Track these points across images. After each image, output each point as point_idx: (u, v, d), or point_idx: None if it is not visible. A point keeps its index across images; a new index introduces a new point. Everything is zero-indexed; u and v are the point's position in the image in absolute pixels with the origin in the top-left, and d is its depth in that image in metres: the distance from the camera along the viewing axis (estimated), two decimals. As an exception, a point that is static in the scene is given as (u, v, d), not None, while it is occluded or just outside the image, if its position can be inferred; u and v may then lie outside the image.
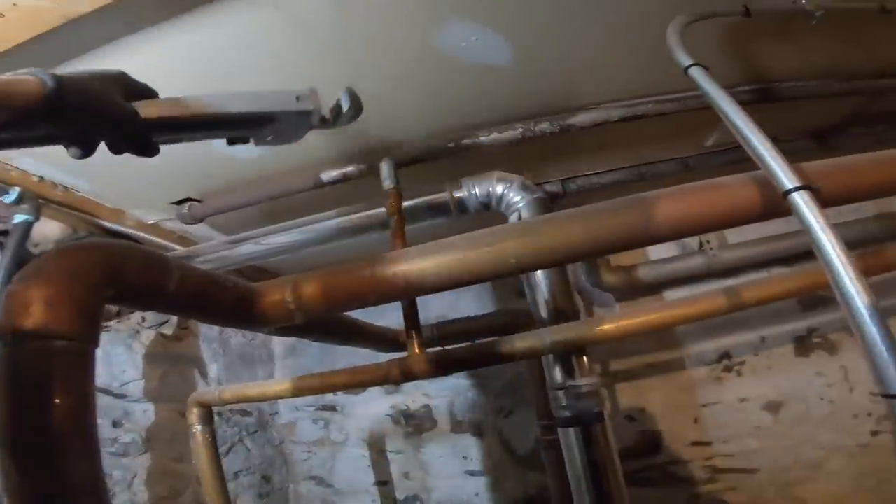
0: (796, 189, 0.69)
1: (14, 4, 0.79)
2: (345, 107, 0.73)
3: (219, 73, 1.01)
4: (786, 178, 0.69)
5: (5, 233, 1.20)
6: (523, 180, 1.24)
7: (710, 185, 0.77)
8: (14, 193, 1.17)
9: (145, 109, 0.59)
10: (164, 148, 0.62)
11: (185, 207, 1.43)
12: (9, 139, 0.52)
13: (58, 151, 0.57)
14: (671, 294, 2.03)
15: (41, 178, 1.28)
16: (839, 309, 2.08)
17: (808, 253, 1.90)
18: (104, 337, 0.78)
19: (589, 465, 1.04)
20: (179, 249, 1.61)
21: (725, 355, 1.98)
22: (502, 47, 1.03)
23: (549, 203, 1.30)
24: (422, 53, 1.03)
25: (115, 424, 1.52)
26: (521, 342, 1.00)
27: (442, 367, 1.00)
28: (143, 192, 1.43)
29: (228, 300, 0.80)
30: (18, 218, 1.16)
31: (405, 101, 1.18)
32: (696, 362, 1.99)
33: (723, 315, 1.05)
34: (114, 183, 1.37)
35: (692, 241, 1.95)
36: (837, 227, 0.66)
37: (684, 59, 0.82)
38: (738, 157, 1.53)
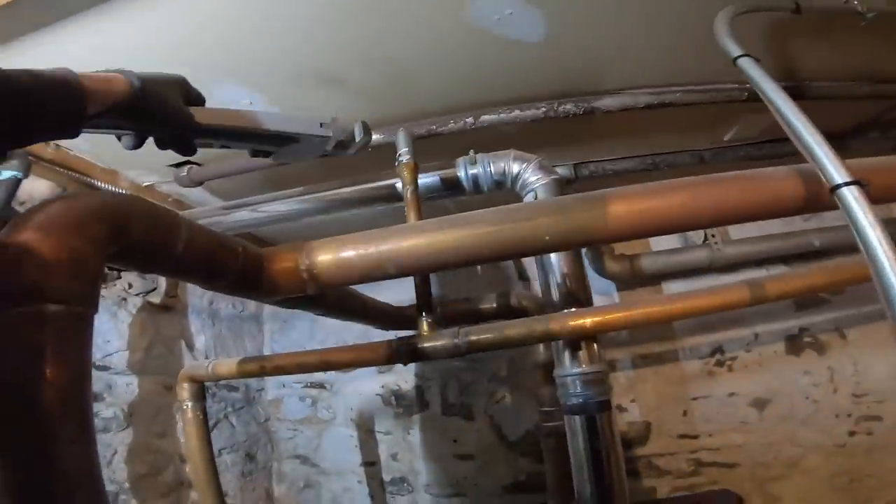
0: (846, 184, 0.67)
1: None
2: (358, 136, 0.82)
3: (235, 33, 0.97)
4: (836, 172, 0.67)
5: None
6: (541, 160, 1.19)
7: (753, 174, 0.75)
8: (3, 148, 1.08)
9: (199, 115, 0.66)
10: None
11: (185, 170, 1.36)
12: (99, 122, 0.56)
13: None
14: (670, 286, 2.03)
15: (33, 134, 1.19)
16: (832, 310, 2.09)
17: (808, 254, 1.92)
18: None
19: (593, 453, 1.03)
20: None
21: (719, 350, 1.99)
22: (536, 23, 0.99)
23: (564, 185, 1.26)
24: (452, 24, 0.99)
25: (97, 398, 1.45)
26: (537, 325, 0.97)
27: (455, 348, 0.96)
28: (141, 152, 1.35)
29: (236, 266, 0.74)
30: (6, 174, 1.08)
31: (427, 71, 1.13)
32: (689, 355, 2.00)
33: (744, 308, 1.03)
34: (113, 142, 1.29)
35: (696, 235, 1.95)
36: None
37: (734, 49, 0.79)
38: (754, 154, 1.52)
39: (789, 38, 1.09)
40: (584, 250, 1.83)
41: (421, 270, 0.88)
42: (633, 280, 1.94)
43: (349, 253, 0.75)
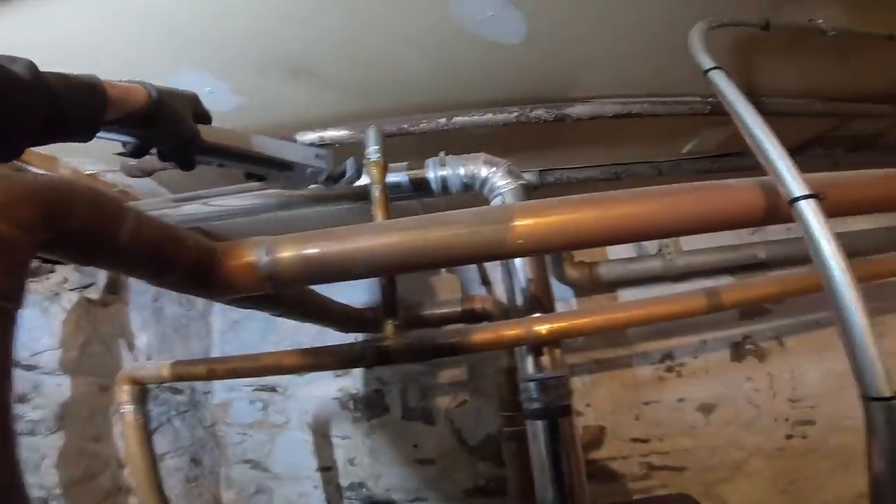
0: (804, 197, 0.69)
1: None
2: (349, 172, 0.88)
3: (196, 17, 0.93)
4: (795, 185, 0.70)
5: None
6: (509, 165, 1.20)
7: (716, 185, 0.77)
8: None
9: (204, 132, 0.68)
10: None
11: (134, 159, 1.26)
12: (112, 129, 0.58)
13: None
14: (625, 293, 2.09)
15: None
16: (772, 319, 2.21)
17: (753, 265, 2.02)
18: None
19: (554, 457, 1.04)
20: (118, 204, 1.44)
21: (669, 356, 2.06)
22: (518, 25, 0.99)
23: (531, 191, 1.27)
24: (434, 21, 0.97)
25: (22, 399, 1.33)
26: (504, 330, 0.96)
27: (420, 352, 0.93)
28: (87, 138, 1.25)
29: (187, 260, 0.69)
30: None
31: (404, 68, 1.11)
32: (641, 361, 2.06)
33: (696, 316, 1.07)
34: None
35: (651, 245, 2.01)
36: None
37: (706, 62, 0.81)
38: (709, 167, 1.58)
39: (754, 54, 1.13)
40: (546, 256, 1.86)
41: (391, 271, 0.85)
42: (591, 287, 1.98)
43: (314, 250, 0.71)
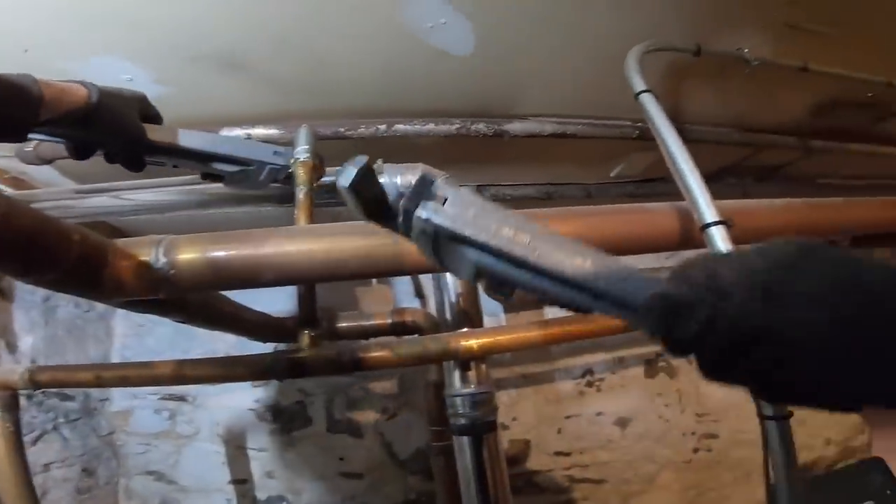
0: (715, 223, 0.74)
1: None
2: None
3: None
4: (708, 212, 0.74)
5: None
6: (447, 178, 1.18)
7: (640, 209, 0.80)
8: None
9: (152, 133, 0.66)
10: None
11: (31, 145, 1.12)
12: (47, 129, 0.58)
13: None
14: (551, 310, 2.14)
15: None
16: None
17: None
18: None
19: (479, 472, 1.04)
20: (9, 192, 1.28)
21: (589, 371, 2.13)
22: (467, 36, 0.99)
23: (467, 205, 1.26)
24: (382, 24, 0.95)
25: None
26: (431, 345, 0.93)
27: (339, 364, 0.88)
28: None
29: (69, 256, 0.60)
30: None
31: (347, 69, 1.08)
32: (564, 376, 2.11)
33: (617, 333, 1.10)
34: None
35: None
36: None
37: (639, 84, 0.84)
38: (634, 192, 1.67)
39: (684, 81, 1.20)
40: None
41: (304, 280, 0.80)
42: (519, 303, 2.03)
43: (219, 253, 0.65)
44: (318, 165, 1.01)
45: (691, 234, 0.79)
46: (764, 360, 0.29)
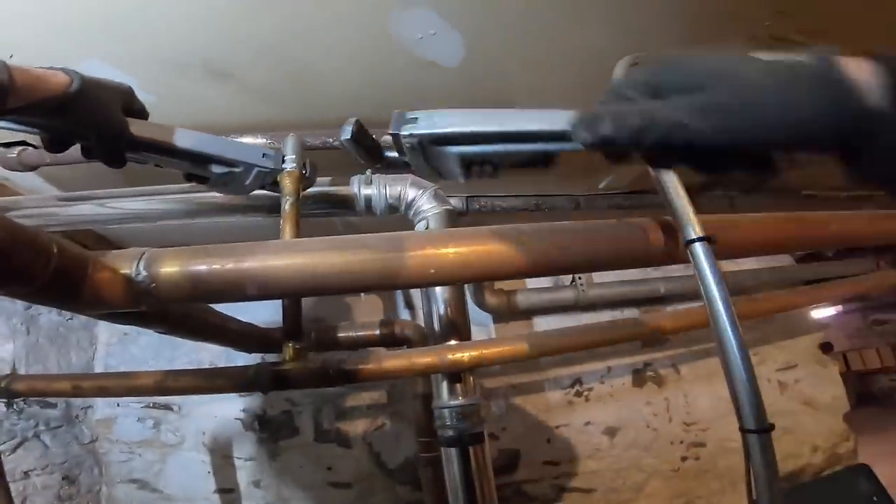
0: (699, 240, 0.74)
1: None
2: (308, 172, 0.85)
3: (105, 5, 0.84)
4: (691, 228, 0.75)
5: None
6: (437, 189, 1.18)
7: (628, 224, 0.80)
8: None
9: (135, 128, 0.63)
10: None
11: (14, 151, 1.11)
12: (18, 118, 0.55)
13: None
14: (540, 321, 2.16)
15: None
16: (670, 348, 2.36)
17: (655, 299, 2.16)
18: None
19: (467, 484, 1.03)
20: (-10, 198, 1.26)
21: (578, 381, 2.14)
22: (456, 47, 0.99)
23: (456, 217, 1.26)
24: (371, 36, 0.95)
25: None
26: (417, 358, 0.93)
27: (324, 377, 0.88)
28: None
29: (45, 268, 0.59)
30: None
31: (336, 80, 1.08)
32: (553, 386, 2.12)
33: (604, 346, 1.11)
34: None
35: (565, 277, 2.10)
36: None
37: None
38: (622, 203, 1.68)
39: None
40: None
41: (289, 295, 0.79)
42: (509, 314, 2.04)
43: (201, 267, 0.64)
44: (305, 175, 1.01)
45: (676, 249, 0.80)
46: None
